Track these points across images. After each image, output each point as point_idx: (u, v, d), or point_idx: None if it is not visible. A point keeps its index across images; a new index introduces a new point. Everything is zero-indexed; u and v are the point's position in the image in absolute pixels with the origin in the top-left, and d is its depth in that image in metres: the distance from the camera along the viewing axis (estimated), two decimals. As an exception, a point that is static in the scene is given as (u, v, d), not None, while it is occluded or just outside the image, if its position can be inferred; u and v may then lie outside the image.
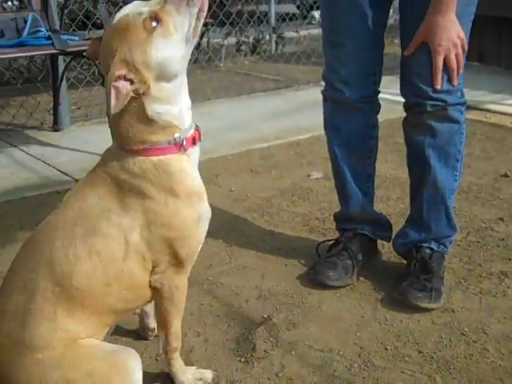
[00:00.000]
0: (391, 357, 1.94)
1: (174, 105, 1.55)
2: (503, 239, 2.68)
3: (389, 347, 1.99)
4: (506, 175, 3.42)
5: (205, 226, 1.69)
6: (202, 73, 6.48)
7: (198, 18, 1.52)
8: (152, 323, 2.00)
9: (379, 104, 2.35)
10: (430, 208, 2.26)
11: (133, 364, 1.57)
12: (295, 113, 4.77)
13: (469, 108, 4.78)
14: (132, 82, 1.47)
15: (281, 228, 2.85)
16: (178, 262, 1.63)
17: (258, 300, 2.28)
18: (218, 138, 4.05)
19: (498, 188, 3.26)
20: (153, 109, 1.52)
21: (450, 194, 2.26)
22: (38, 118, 4.61)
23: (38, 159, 3.85)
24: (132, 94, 1.48)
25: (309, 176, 3.50)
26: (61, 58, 4.26)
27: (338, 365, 1.92)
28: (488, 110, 4.76)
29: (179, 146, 1.58)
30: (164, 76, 1.51)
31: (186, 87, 1.60)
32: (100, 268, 1.55)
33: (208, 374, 1.86)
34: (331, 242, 2.49)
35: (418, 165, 2.27)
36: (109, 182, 1.56)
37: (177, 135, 1.57)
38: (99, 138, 4.09)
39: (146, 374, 1.83)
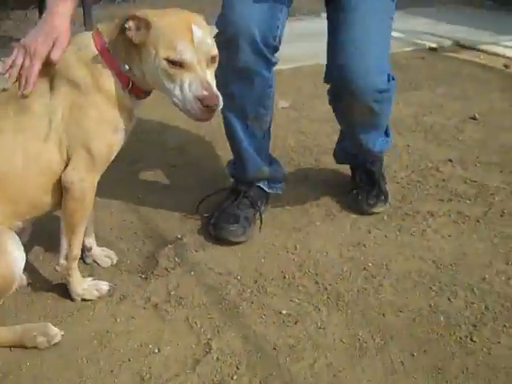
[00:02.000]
0: (287, 285, 1.96)
1: None
2: (444, 180, 2.64)
3: (287, 276, 2.01)
4: (474, 117, 3.33)
5: (119, 138, 1.74)
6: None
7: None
8: (88, 241, 2.03)
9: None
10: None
11: (11, 243, 1.61)
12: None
13: (463, 48, 4.70)
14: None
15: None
16: (89, 157, 1.69)
17: (181, 219, 2.31)
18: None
19: (461, 130, 3.19)
20: None
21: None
22: (24, 30, 4.60)
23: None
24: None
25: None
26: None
27: (232, 288, 1.95)
28: (484, 51, 4.60)
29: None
30: None
31: None
32: (21, 147, 1.65)
33: (104, 286, 1.91)
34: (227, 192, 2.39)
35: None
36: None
37: None
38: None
39: (44, 285, 1.92)
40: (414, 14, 5.46)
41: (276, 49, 2.07)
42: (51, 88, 1.67)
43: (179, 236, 2.21)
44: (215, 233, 2.19)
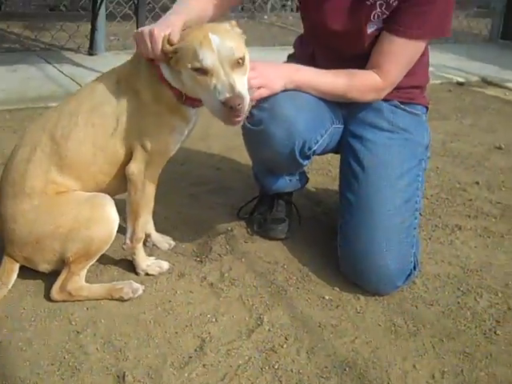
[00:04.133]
0: (329, 276, 2.17)
1: None
2: (471, 200, 2.85)
3: (330, 267, 2.21)
4: (499, 147, 3.55)
5: (176, 138, 1.97)
6: (245, 22, 6.68)
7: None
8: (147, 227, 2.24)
9: None
10: None
11: (108, 204, 1.93)
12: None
13: (490, 84, 4.94)
14: None
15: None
16: (147, 152, 1.92)
17: (229, 215, 2.54)
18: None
19: (487, 157, 3.40)
20: None
21: None
22: (76, 42, 4.91)
23: (68, 76, 4.14)
24: None
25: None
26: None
27: (279, 275, 2.16)
28: (509, 88, 4.85)
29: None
30: None
31: None
32: (91, 139, 1.91)
33: (164, 264, 2.14)
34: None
35: None
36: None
37: None
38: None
39: (111, 260, 2.14)
40: (444, 49, 5.74)
41: (309, 158, 2.19)
42: (118, 91, 1.91)
43: (229, 228, 2.43)
44: (264, 234, 2.39)
